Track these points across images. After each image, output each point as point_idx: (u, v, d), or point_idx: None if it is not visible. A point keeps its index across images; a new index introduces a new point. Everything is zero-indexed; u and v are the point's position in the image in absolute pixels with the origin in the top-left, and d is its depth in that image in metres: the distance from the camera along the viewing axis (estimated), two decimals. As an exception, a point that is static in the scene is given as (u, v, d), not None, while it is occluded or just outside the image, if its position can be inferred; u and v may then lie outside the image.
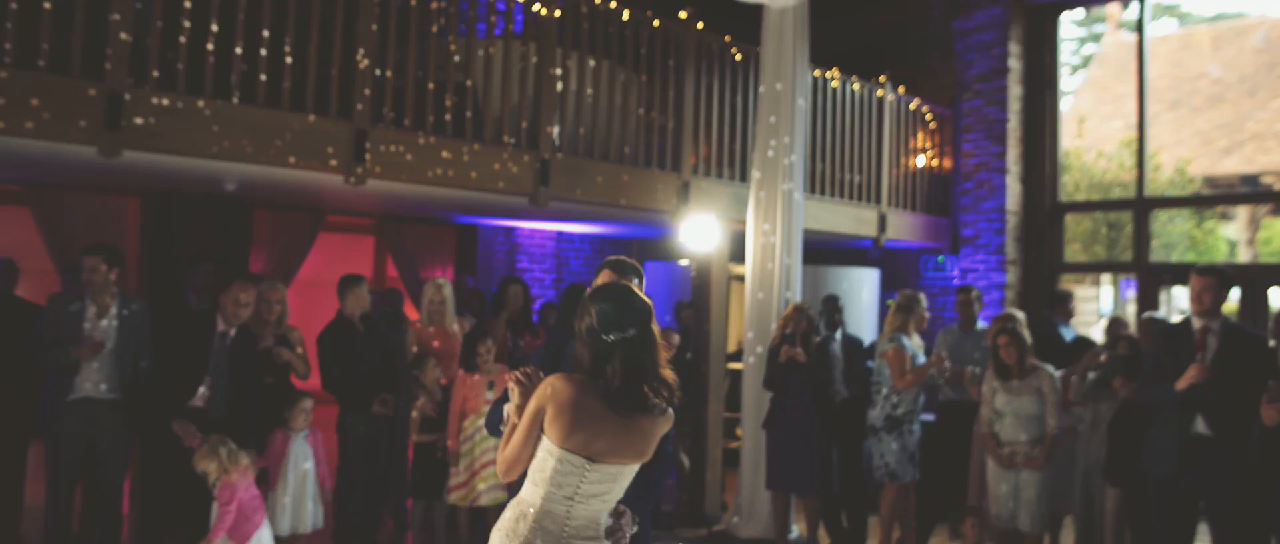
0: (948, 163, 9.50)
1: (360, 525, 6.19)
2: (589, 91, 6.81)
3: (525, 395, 2.67)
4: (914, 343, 6.38)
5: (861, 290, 8.65)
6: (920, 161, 9.31)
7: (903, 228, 8.93)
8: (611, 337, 2.56)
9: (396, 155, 5.81)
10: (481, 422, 6.07)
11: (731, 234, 7.55)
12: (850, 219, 8.43)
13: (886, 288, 9.38)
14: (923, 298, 6.47)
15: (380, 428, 5.96)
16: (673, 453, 7.30)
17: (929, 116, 9.35)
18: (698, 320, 7.67)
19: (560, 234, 9.87)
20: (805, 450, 6.35)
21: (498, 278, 9.37)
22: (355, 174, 5.65)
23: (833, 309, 6.88)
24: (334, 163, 5.58)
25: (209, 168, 5.53)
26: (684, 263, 9.01)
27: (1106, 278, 14.54)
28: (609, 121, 6.93)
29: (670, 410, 2.67)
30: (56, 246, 7.52)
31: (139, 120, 4.90)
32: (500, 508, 5.99)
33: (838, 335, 6.82)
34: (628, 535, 2.74)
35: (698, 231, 7.16)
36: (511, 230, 9.56)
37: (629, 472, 2.65)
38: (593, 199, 6.74)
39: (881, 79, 8.85)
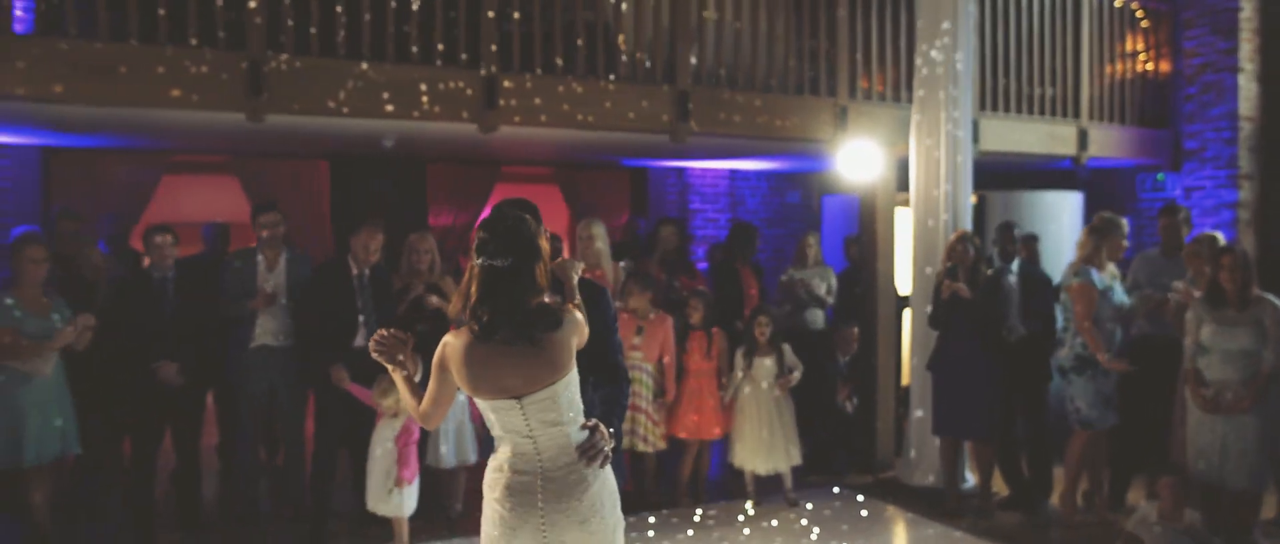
0: (1165, 66, 8.26)
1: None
2: (731, 19, 6.49)
3: (385, 356, 2.71)
4: (1108, 273, 5.62)
5: (1061, 216, 7.76)
6: (1130, 67, 8.17)
7: (1109, 144, 7.90)
8: (480, 261, 2.57)
9: (528, 100, 5.82)
10: (630, 365, 6.05)
11: (898, 161, 7.00)
12: (1041, 137, 7.56)
13: (1094, 212, 8.38)
14: (1122, 222, 5.67)
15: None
16: (839, 401, 7.00)
17: (1140, 14, 8.15)
18: (864, 255, 7.21)
19: (734, 172, 9.61)
20: (974, 393, 5.82)
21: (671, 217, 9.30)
22: (488, 122, 5.73)
23: (1007, 238, 6.22)
24: (466, 112, 5.68)
25: (349, 126, 5.78)
26: (863, 195, 8.48)
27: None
28: (754, 48, 6.58)
29: (570, 314, 2.66)
30: (261, 209, 8.23)
31: (278, 84, 5.20)
32: (643, 455, 6.03)
33: (1014, 267, 6.17)
34: (604, 449, 2.68)
35: (857, 159, 6.69)
36: (682, 171, 9.42)
37: (566, 386, 2.64)
38: (737, 131, 6.45)
39: (1079, -24, 7.82)
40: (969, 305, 5.80)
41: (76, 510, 5.70)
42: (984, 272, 5.94)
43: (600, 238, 6.57)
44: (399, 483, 5.13)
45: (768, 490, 6.26)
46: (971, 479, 6.38)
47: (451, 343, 2.62)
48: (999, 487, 6.24)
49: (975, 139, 7.20)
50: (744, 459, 6.05)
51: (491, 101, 5.71)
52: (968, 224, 6.47)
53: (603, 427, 2.74)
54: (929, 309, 6.10)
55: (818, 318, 7.40)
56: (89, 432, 5.56)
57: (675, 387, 6.05)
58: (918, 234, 6.50)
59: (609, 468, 2.75)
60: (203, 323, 5.61)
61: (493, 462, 2.71)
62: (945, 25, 6.36)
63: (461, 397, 5.82)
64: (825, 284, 7.43)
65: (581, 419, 2.70)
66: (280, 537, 5.59)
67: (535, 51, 5.88)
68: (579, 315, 2.70)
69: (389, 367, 2.74)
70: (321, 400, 5.67)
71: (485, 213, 9.12)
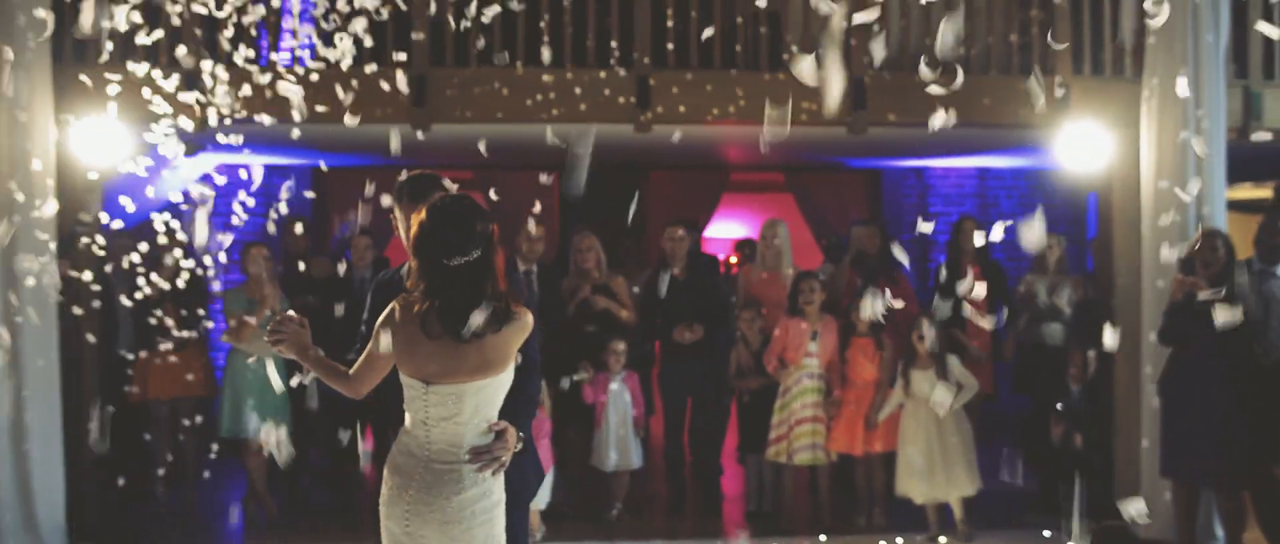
0: None
1: (700, 475, 6.18)
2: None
3: (290, 346, 2.69)
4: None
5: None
6: None
7: None
8: (455, 261, 2.48)
9: (684, 98, 5.67)
10: (801, 372, 5.68)
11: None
12: (1358, 110, 5.93)
13: None
14: None
15: (697, 376, 5.93)
16: (1053, 439, 5.96)
17: None
18: (1099, 259, 6.12)
19: (985, 171, 8.64)
20: (1212, 427, 4.71)
21: (907, 224, 8.59)
22: (641, 122, 5.67)
23: (1271, 234, 4.96)
24: (619, 113, 5.66)
25: (513, 131, 5.98)
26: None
27: None
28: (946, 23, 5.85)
29: (522, 318, 2.56)
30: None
31: (443, 94, 5.54)
32: (819, 469, 5.62)
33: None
34: (499, 455, 2.53)
35: (1079, 146, 5.70)
36: (922, 171, 8.65)
37: (479, 389, 2.50)
38: (922, 120, 5.76)
39: None
40: (1207, 313, 4.70)
41: (292, 481, 6.44)
42: (1237, 278, 4.79)
43: (781, 238, 6.24)
44: (531, 477, 5.21)
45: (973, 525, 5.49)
46: (1222, 533, 5.13)
47: (395, 311, 2.57)
48: (1261, 547, 4.96)
49: (1256, 115, 5.84)
50: (902, 485, 5.38)
51: (645, 101, 5.64)
52: (1219, 223, 5.25)
53: (512, 431, 2.59)
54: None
55: (1057, 332, 6.43)
56: (301, 415, 6.30)
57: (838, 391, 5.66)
58: (1147, 235, 5.38)
59: (500, 479, 2.58)
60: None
61: (400, 431, 2.66)
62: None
63: (614, 392, 5.77)
64: (1067, 294, 6.44)
65: (488, 422, 2.56)
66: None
67: (691, 47, 5.71)
68: (529, 318, 2.59)
69: (298, 357, 2.70)
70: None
71: (712, 222, 9.12)
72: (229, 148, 5.53)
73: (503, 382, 2.56)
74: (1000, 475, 5.96)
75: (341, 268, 6.51)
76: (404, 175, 2.94)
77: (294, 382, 3.16)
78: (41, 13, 4.97)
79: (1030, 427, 6.36)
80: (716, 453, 6.22)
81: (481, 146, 5.06)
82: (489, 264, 2.50)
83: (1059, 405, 5.76)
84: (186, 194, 7.06)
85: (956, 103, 5.76)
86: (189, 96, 5.19)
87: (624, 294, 6.14)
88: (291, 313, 2.79)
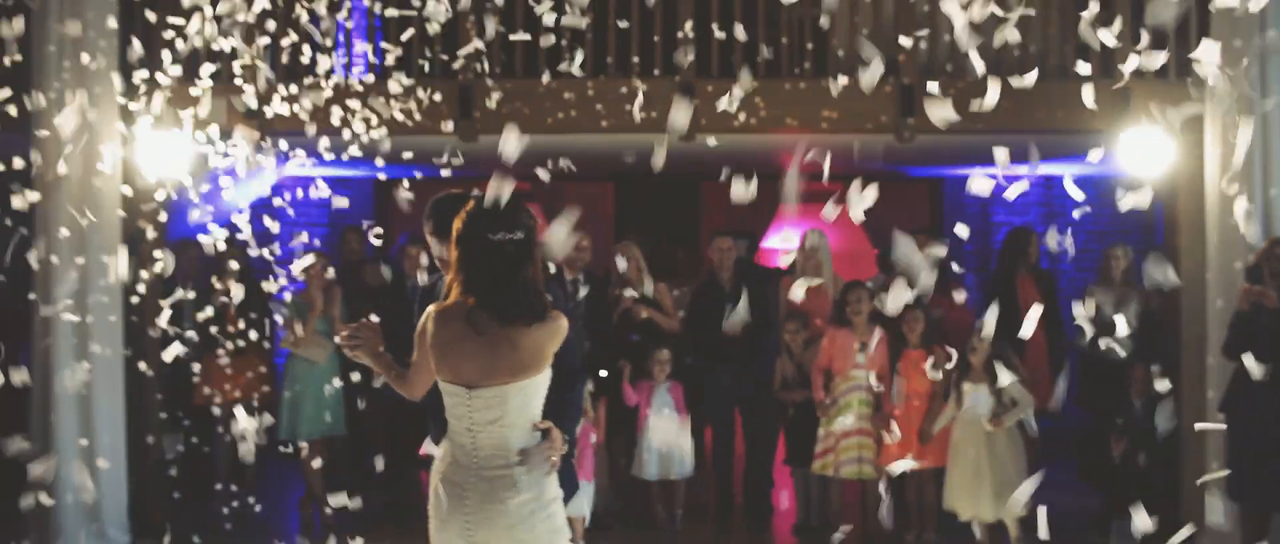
0: None
1: (752, 489, 6.11)
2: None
3: (365, 351, 2.75)
4: None
5: None
6: None
7: None
8: (499, 234, 2.53)
9: (723, 106, 5.63)
10: (848, 384, 5.59)
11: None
12: None
13: None
14: None
15: (741, 384, 5.88)
16: (1114, 456, 5.73)
17: None
18: (1163, 271, 5.87)
19: (1049, 178, 8.38)
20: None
21: (972, 233, 8.37)
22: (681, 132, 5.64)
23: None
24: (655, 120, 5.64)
25: (564, 141, 6.03)
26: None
27: None
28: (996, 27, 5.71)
29: (557, 320, 2.59)
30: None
31: (489, 105, 5.62)
32: (866, 482, 5.53)
33: (1355, 280, 4.64)
34: (548, 456, 2.57)
35: (1141, 151, 5.49)
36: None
37: (520, 390, 2.54)
38: (978, 126, 5.62)
39: None
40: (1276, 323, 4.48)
41: (348, 483, 6.58)
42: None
43: (821, 249, 6.15)
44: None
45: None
46: (1294, 562, 4.86)
47: (430, 317, 2.63)
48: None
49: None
50: (949, 501, 5.23)
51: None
52: (1292, 229, 5.00)
53: (557, 431, 2.63)
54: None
55: (1122, 345, 6.19)
56: (356, 419, 6.44)
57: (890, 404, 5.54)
58: (1213, 244, 5.15)
59: (554, 476, 2.63)
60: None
61: (443, 444, 2.70)
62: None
63: (658, 401, 5.75)
64: (1132, 307, 6.20)
65: (532, 423, 2.61)
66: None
67: (735, 54, 5.68)
68: (563, 321, 2.63)
69: (370, 361, 2.78)
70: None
71: (771, 232, 9.03)
72: (290, 159, 5.70)
73: (541, 382, 2.59)
74: (1058, 493, 5.77)
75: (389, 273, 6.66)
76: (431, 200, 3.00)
77: (377, 383, 3.24)
78: (109, 23, 5.20)
79: (1091, 443, 6.14)
80: (768, 465, 6.14)
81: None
82: (530, 250, 2.55)
83: (1120, 420, 5.54)
84: (249, 205, 7.32)
85: (1013, 109, 5.65)
86: (250, 108, 5.37)
87: (667, 302, 6.13)
88: (365, 320, 2.86)
